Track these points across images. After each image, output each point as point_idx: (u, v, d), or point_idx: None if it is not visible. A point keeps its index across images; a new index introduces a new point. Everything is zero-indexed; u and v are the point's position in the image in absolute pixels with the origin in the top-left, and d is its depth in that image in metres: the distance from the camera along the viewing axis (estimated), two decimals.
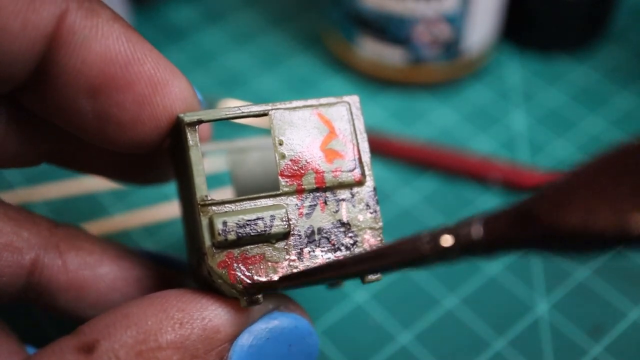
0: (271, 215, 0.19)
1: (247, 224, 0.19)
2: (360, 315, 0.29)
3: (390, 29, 0.36)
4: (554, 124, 0.37)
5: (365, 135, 0.21)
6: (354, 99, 0.21)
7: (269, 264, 0.19)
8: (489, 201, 0.33)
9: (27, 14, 0.17)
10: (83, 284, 0.22)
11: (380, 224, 0.20)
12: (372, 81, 0.39)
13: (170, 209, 0.32)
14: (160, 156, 0.23)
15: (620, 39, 0.41)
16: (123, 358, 0.17)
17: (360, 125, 0.21)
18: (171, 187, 0.32)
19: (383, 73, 0.38)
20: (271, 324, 0.19)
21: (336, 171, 0.20)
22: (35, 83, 0.19)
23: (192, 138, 0.19)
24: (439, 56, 0.37)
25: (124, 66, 0.19)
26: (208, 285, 0.20)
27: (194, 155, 0.19)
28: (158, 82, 0.20)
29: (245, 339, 0.19)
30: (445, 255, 0.16)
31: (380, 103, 0.38)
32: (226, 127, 0.35)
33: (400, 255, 0.16)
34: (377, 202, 0.20)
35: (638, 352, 0.28)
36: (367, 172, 0.20)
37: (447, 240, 0.15)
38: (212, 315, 0.19)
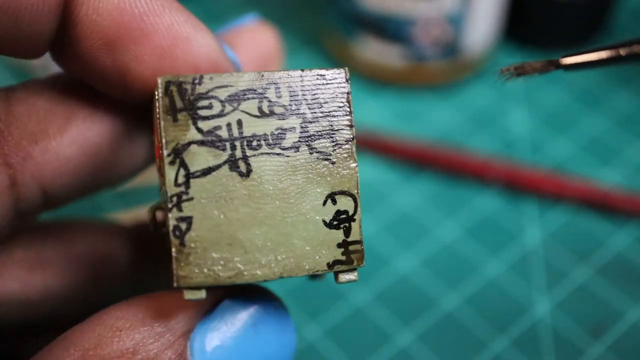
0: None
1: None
2: (361, 316, 0.29)
3: (390, 29, 0.36)
4: (555, 124, 0.37)
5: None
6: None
7: None
8: (489, 201, 0.33)
9: None
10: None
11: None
12: (372, 81, 0.39)
13: None
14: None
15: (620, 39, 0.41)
16: None
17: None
18: None
19: (383, 73, 0.38)
20: (224, 313, 0.17)
21: None
22: (61, 40, 0.19)
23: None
24: (439, 56, 0.37)
25: (139, 17, 0.18)
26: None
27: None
28: (177, 35, 0.19)
29: (200, 334, 0.17)
30: None
31: (380, 103, 0.38)
32: None
33: None
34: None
35: (639, 352, 0.28)
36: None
37: None
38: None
